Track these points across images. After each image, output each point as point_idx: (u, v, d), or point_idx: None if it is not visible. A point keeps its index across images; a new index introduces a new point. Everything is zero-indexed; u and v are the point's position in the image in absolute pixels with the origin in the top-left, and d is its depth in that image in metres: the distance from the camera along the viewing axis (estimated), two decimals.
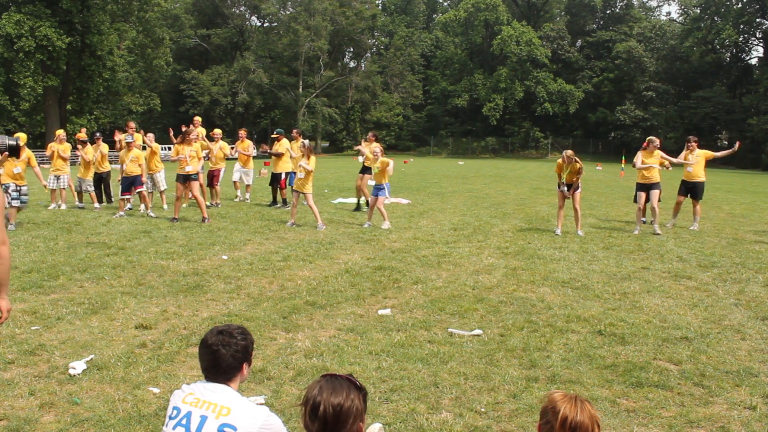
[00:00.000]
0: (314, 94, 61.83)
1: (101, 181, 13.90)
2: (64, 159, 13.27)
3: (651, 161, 10.99)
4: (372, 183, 11.54)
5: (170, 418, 2.30)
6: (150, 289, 6.34)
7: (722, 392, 4.07)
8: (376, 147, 11.65)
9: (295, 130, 14.58)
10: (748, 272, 7.85)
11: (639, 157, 11.20)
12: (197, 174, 11.60)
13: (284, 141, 13.74)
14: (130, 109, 50.92)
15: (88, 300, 5.87)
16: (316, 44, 59.67)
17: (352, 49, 70.84)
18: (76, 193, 13.50)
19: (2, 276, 2.79)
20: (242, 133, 15.19)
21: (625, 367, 4.42)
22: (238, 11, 66.94)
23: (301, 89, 61.93)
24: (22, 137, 10.56)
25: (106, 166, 13.97)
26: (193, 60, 64.73)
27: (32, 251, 8.18)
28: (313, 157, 10.97)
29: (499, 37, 60.91)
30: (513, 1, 69.83)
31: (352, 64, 72.74)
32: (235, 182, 15.20)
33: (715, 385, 4.16)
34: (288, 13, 64.31)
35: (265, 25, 68.72)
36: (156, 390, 3.92)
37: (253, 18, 69.62)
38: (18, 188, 10.45)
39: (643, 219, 12.25)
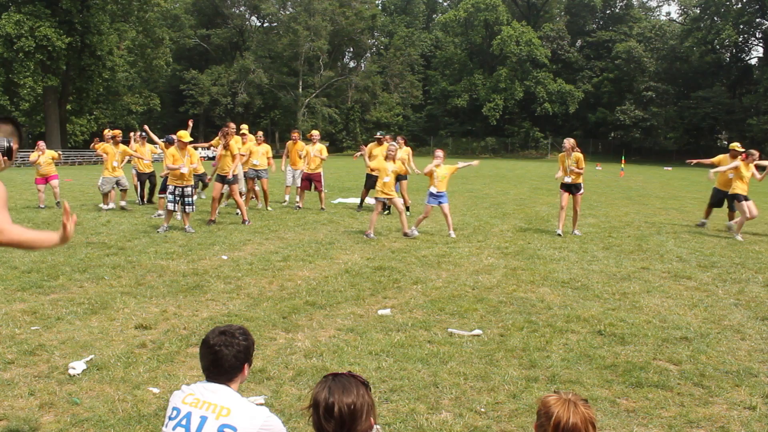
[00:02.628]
0: (314, 94, 61.86)
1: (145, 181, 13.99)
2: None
3: (747, 174, 10.98)
4: (433, 191, 10.35)
5: (170, 418, 2.30)
6: (150, 289, 6.34)
7: (722, 392, 4.07)
8: (440, 152, 10.59)
9: (389, 135, 14.05)
10: (748, 272, 7.85)
11: (729, 165, 11.19)
12: (236, 176, 11.36)
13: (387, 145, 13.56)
14: (130, 109, 50.97)
15: (88, 300, 5.87)
16: (316, 44, 59.71)
17: (352, 49, 70.89)
18: (104, 195, 13.19)
19: (32, 244, 2.70)
20: (312, 135, 14.07)
21: (625, 367, 4.42)
22: (237, 11, 67.00)
23: (300, 89, 61.97)
24: (182, 134, 10.33)
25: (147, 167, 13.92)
26: (193, 60, 64.75)
27: (32, 251, 8.17)
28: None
29: (499, 37, 60.94)
30: (513, 1, 69.85)
31: (352, 64, 72.82)
32: (287, 186, 14.42)
33: (714, 385, 4.16)
34: (288, 13, 64.37)
35: (265, 25, 68.79)
36: (156, 390, 3.92)
37: (253, 18, 69.72)
38: (181, 189, 10.09)
39: (704, 220, 12.28)
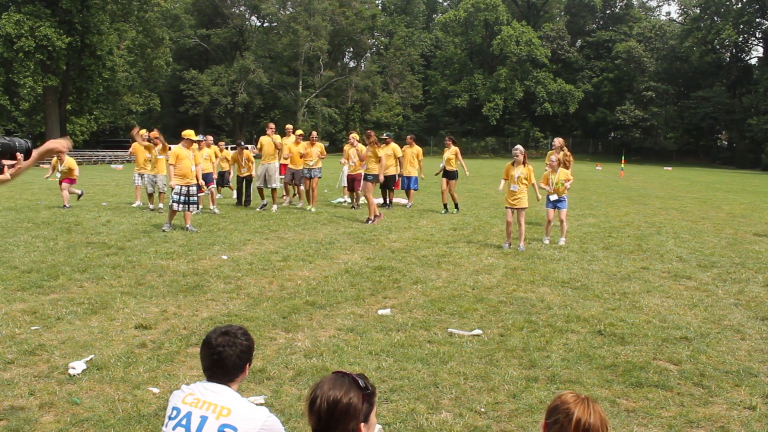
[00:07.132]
0: (314, 94, 61.82)
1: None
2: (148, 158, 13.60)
3: None
4: (553, 197, 9.86)
5: (170, 418, 2.30)
6: (150, 289, 6.34)
7: (722, 392, 4.07)
8: (554, 157, 10.05)
9: (409, 136, 14.77)
10: (747, 272, 7.85)
11: None
12: (373, 174, 11.99)
13: (393, 144, 14.00)
14: (130, 109, 50.92)
15: (88, 300, 5.87)
16: (316, 44, 59.65)
17: (352, 49, 70.80)
18: (148, 196, 13.24)
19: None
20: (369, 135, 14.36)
21: (625, 367, 4.42)
22: (237, 11, 66.90)
23: (300, 89, 61.91)
24: (188, 133, 10.57)
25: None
26: (193, 60, 64.67)
27: (32, 251, 8.17)
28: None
29: (499, 37, 60.90)
30: (513, 1, 69.83)
31: (352, 64, 72.72)
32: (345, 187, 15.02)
33: (714, 385, 4.16)
34: (288, 13, 64.29)
35: (265, 25, 68.70)
36: (156, 390, 3.92)
37: (253, 18, 69.61)
38: (186, 189, 10.22)
39: None
